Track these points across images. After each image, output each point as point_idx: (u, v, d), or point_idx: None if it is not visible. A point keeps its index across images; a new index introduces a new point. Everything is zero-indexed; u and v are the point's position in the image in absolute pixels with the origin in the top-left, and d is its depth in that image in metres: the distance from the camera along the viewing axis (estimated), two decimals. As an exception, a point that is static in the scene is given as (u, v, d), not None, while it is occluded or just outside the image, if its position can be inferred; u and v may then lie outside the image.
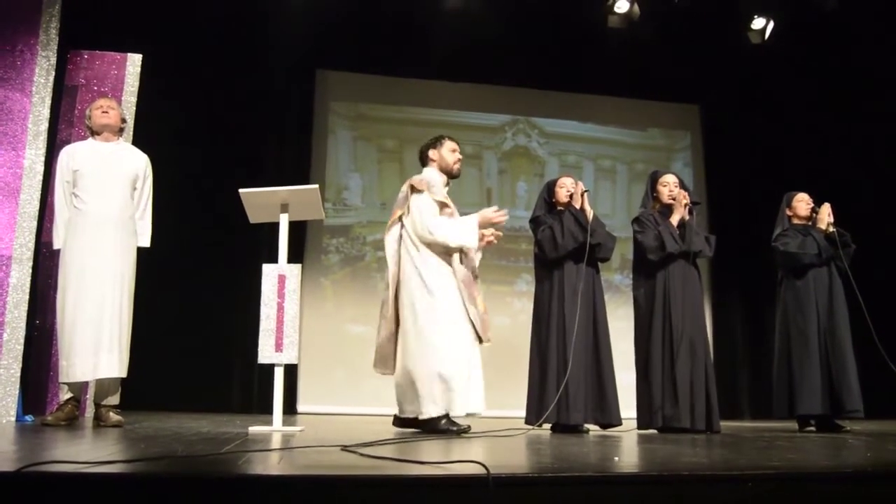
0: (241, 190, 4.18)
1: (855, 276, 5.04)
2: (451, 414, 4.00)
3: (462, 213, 4.38)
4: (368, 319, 7.78)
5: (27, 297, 4.80)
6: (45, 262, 5.20)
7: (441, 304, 4.11)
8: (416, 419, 4.09)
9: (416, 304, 4.13)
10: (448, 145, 4.41)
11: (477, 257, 4.47)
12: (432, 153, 4.41)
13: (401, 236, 4.28)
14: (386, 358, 4.26)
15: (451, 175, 4.42)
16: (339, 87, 8.23)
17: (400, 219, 4.30)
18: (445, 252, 4.20)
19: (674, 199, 4.90)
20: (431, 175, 4.37)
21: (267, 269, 4.06)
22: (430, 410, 4.00)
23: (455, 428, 3.92)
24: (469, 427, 3.98)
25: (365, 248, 7.98)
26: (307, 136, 7.97)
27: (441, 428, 3.94)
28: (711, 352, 5.05)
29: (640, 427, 4.73)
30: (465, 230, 4.19)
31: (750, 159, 8.46)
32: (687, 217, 4.88)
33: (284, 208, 4.20)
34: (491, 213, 4.27)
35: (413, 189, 4.26)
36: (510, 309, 7.98)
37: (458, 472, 1.93)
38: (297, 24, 7.53)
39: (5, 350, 4.66)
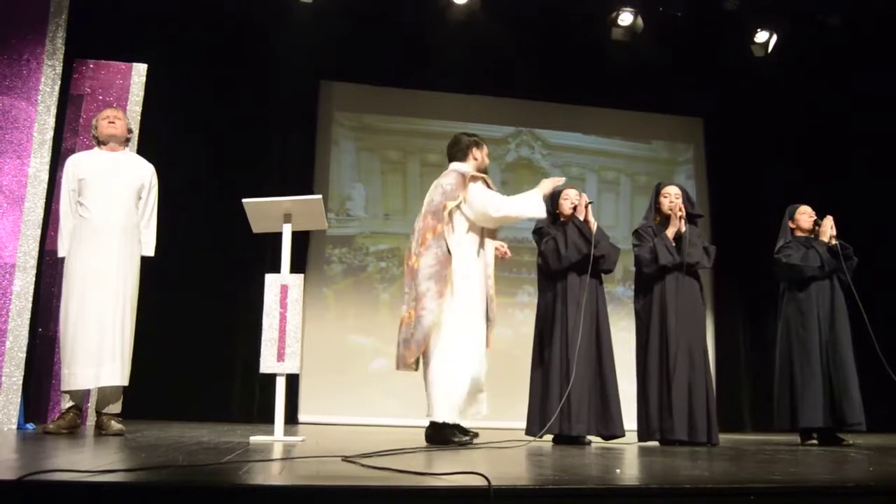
0: (244, 200, 4.19)
1: (857, 289, 5.04)
2: (461, 429, 3.99)
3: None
4: (371, 330, 7.81)
5: (30, 305, 4.81)
6: (49, 271, 5.22)
7: (465, 307, 4.07)
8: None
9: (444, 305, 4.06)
10: (486, 149, 4.47)
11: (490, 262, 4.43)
12: (475, 152, 4.39)
13: (450, 228, 4.18)
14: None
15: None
16: (343, 98, 8.25)
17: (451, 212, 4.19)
18: (475, 255, 4.19)
19: (671, 211, 4.90)
20: (470, 171, 4.32)
21: (269, 278, 4.06)
22: (443, 415, 3.98)
23: (457, 439, 3.92)
24: (477, 434, 3.98)
25: (367, 258, 7.98)
26: (311, 146, 7.98)
27: (447, 437, 3.93)
28: (713, 363, 5.05)
29: (640, 439, 4.73)
30: (530, 202, 4.20)
31: (753, 172, 8.46)
32: (683, 229, 4.87)
33: (287, 218, 4.20)
34: (549, 183, 4.33)
35: (470, 179, 4.22)
36: (512, 320, 7.97)
37: (460, 484, 1.93)
38: (302, 35, 7.57)
39: (7, 358, 4.67)
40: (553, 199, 4.96)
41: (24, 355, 4.74)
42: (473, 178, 4.24)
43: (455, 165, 4.38)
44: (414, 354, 4.05)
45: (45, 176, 4.96)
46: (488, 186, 4.29)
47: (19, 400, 4.64)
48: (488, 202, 4.15)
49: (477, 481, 1.87)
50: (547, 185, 4.32)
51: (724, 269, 7.72)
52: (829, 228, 5.25)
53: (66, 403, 4.20)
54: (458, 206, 4.18)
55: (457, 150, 4.42)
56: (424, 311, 4.02)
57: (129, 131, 4.58)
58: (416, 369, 4.13)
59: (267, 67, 7.64)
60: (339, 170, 8.14)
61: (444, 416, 3.96)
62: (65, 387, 4.15)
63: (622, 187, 8.76)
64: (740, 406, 8.11)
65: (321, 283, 7.83)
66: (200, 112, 7.27)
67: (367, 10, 7.53)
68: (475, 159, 4.39)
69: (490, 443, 4.01)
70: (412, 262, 4.20)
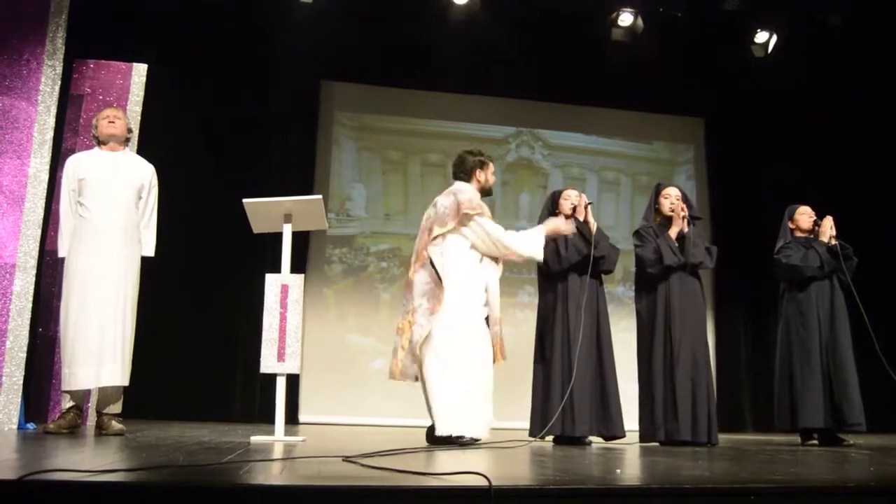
0: (244, 200, 4.18)
1: (857, 290, 5.04)
2: (465, 435, 3.97)
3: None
4: (371, 330, 7.81)
5: (30, 305, 4.81)
6: (49, 271, 5.22)
7: (458, 325, 4.06)
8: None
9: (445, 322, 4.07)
10: (491, 168, 4.46)
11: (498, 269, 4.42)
12: (479, 174, 4.39)
13: (442, 252, 4.19)
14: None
15: (488, 194, 4.46)
16: (343, 98, 8.25)
17: (443, 235, 4.20)
18: (472, 274, 4.18)
19: (673, 212, 4.90)
20: (473, 193, 4.32)
21: (270, 278, 4.06)
22: (446, 428, 3.96)
23: (458, 439, 3.91)
24: (479, 438, 3.98)
25: (368, 258, 7.98)
26: (311, 146, 7.98)
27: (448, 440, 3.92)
28: (714, 364, 5.04)
29: (642, 439, 4.73)
30: (533, 245, 4.29)
31: (753, 172, 8.45)
32: (686, 229, 4.87)
33: (288, 219, 4.20)
34: (557, 225, 4.41)
35: (471, 215, 4.21)
36: (513, 320, 7.95)
37: (461, 484, 1.93)
38: (302, 35, 7.57)
39: (8, 358, 4.67)
40: (553, 200, 4.96)
41: (24, 355, 4.73)
42: (478, 213, 4.21)
43: (458, 186, 4.36)
44: (402, 365, 4.09)
45: (45, 176, 4.96)
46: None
47: (20, 400, 4.64)
48: (498, 235, 4.20)
49: (478, 481, 1.87)
50: (551, 225, 4.39)
51: (724, 269, 7.70)
52: (828, 229, 5.25)
53: (67, 403, 4.21)
54: (450, 232, 4.17)
55: (461, 171, 4.42)
56: (416, 326, 4.08)
57: (129, 131, 4.58)
58: (411, 380, 4.14)
59: (267, 68, 7.64)
60: (340, 170, 8.14)
61: (446, 430, 3.95)
62: (65, 387, 4.15)
63: (623, 188, 8.75)
64: (741, 406, 8.11)
65: (321, 283, 7.83)
66: (200, 112, 7.26)
67: (368, 11, 7.53)
68: (479, 181, 4.39)
69: (491, 443, 4.01)
70: (410, 274, 4.26)
